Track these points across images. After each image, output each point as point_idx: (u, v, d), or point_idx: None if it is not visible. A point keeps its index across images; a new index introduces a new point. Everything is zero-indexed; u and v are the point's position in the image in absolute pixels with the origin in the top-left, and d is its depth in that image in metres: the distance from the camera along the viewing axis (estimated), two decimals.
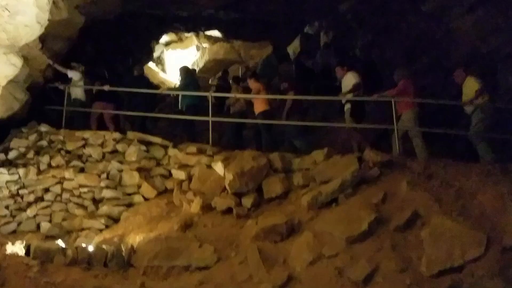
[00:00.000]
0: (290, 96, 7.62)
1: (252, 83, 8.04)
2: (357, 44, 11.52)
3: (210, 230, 5.54)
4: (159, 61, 17.45)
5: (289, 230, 5.05)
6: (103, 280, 4.59)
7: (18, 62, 6.57)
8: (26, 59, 7.14)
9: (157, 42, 15.66)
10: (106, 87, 8.27)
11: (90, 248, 4.93)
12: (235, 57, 16.46)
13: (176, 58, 17.31)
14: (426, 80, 8.48)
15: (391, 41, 10.05)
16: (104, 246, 5.04)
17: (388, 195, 5.02)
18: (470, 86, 6.49)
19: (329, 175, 5.69)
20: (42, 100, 8.12)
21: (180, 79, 9.06)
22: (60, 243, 5.45)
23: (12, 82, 6.90)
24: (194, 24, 13.57)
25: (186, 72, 9.09)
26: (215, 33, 15.89)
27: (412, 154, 6.43)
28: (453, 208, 4.34)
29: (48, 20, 6.69)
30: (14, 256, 4.85)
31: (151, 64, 16.22)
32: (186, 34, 16.73)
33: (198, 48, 17.95)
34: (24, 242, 5.16)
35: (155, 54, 16.96)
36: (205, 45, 17.60)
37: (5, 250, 4.95)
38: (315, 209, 5.27)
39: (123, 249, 5.03)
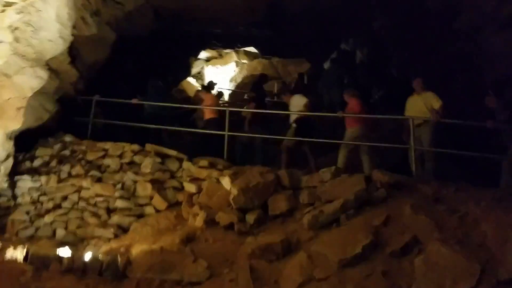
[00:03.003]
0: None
1: (203, 94, 9.27)
2: (393, 62, 11.15)
3: (210, 245, 5.47)
4: (199, 76, 17.83)
5: (286, 250, 4.86)
6: None
7: (44, 74, 6.88)
8: (56, 72, 7.50)
9: (196, 58, 16.01)
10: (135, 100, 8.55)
11: (87, 257, 4.99)
12: (272, 73, 16.46)
13: (215, 74, 17.62)
14: (462, 101, 7.99)
15: (427, 60, 9.61)
16: (99, 256, 5.10)
17: (391, 218, 4.71)
18: (430, 101, 6.73)
19: (334, 194, 5.47)
20: (74, 111, 8.48)
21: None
22: (66, 250, 5.58)
23: (41, 93, 7.22)
24: (230, 41, 13.72)
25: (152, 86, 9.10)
26: (254, 49, 16.02)
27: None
28: (453, 235, 3.99)
29: (73, 35, 7.04)
30: (12, 261, 4.99)
31: (190, 79, 16.61)
32: (226, 51, 17.02)
33: (237, 64, 18.19)
34: (25, 248, 5.33)
35: (196, 70, 17.39)
36: (244, 61, 17.83)
37: (5, 254, 5.12)
38: (315, 229, 5.07)
39: (119, 260, 5.06)
